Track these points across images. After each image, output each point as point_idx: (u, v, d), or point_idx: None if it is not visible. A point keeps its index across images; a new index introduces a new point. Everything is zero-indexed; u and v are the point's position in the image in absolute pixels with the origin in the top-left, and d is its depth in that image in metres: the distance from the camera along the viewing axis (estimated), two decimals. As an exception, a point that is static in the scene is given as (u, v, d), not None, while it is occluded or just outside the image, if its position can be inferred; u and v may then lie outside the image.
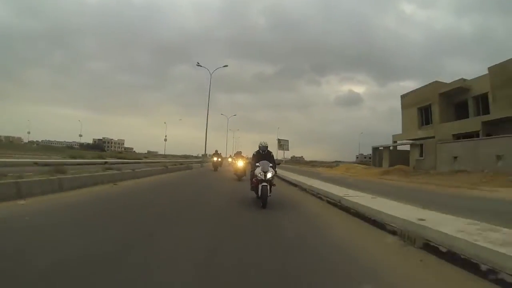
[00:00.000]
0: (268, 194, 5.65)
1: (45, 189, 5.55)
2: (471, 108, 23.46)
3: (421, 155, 24.62)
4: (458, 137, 22.59)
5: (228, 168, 18.05)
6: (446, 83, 26.16)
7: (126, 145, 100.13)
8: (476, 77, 23.84)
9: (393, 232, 3.73)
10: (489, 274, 2.31)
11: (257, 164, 6.03)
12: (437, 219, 3.71)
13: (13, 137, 78.71)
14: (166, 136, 55.13)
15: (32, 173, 6.52)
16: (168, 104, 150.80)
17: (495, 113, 20.47)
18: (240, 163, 12.48)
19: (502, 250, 2.36)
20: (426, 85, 28.02)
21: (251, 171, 6.50)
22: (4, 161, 12.93)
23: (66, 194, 5.80)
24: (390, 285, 2.29)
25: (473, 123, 21.66)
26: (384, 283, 2.34)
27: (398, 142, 31.43)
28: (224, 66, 31.04)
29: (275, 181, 6.46)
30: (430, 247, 3.03)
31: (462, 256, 2.62)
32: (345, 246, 3.41)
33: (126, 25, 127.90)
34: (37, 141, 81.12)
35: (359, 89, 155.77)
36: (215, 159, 19.13)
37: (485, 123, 20.25)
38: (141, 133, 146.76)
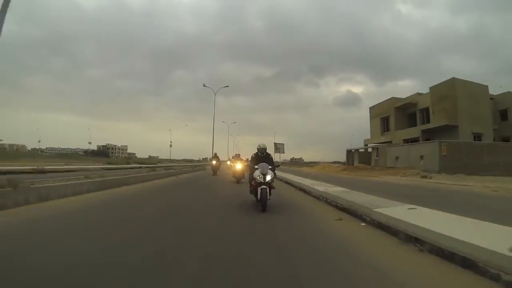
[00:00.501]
0: (268, 197, 5.49)
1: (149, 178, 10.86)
2: (418, 119, 29.59)
3: (377, 156, 30.65)
4: (407, 141, 28.61)
5: (227, 172, 17.93)
6: (400, 98, 32.30)
7: (127, 150, 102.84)
8: (423, 93, 30.10)
9: (316, 197, 8.90)
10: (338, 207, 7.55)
11: (256, 166, 5.88)
12: (327, 186, 8.94)
13: (17, 145, 78.35)
14: (171, 142, 58.63)
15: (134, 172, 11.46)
16: (168, 109, 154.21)
17: (433, 123, 26.64)
18: (239, 166, 12.75)
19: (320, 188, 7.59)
20: (386, 100, 34.18)
21: (250, 173, 6.33)
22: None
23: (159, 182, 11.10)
24: (310, 210, 7.41)
25: (417, 130, 27.78)
26: (305, 208, 7.44)
27: (363, 146, 37.60)
28: (225, 86, 36.16)
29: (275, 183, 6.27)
30: (322, 199, 8.22)
31: (328, 200, 7.83)
32: (295, 201, 8.54)
33: (125, 31, 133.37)
34: (40, 148, 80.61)
35: (357, 89, 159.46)
36: (214, 162, 18.64)
37: (424, 131, 26.39)
38: (141, 138, 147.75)
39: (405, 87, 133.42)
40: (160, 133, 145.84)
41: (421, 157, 21.62)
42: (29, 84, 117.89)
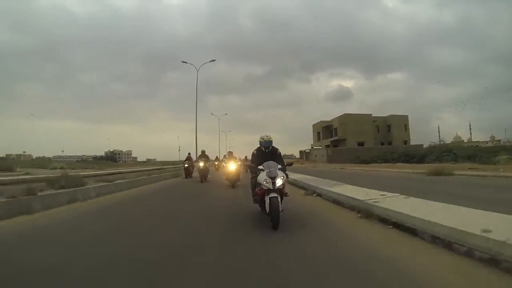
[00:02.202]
0: (280, 209, 3.84)
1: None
2: (333, 134, 51.19)
3: (309, 155, 52.06)
4: (328, 146, 50.00)
5: (219, 177, 13.71)
6: (326, 121, 53.89)
7: (132, 155, 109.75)
8: (334, 119, 51.73)
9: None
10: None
11: (260, 167, 4.23)
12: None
13: (24, 155, 77.82)
14: (179, 148, 58.75)
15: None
16: (161, 110, 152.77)
17: (337, 137, 48.26)
18: (232, 166, 10.33)
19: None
20: (319, 121, 55.98)
21: (252, 177, 4.67)
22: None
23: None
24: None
25: (330, 141, 49.34)
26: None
27: (307, 148, 59.08)
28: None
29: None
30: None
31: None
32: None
33: (117, 36, 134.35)
34: (43, 156, 79.67)
35: (348, 83, 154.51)
36: (201, 164, 13.30)
37: (332, 141, 48.40)
38: (137, 141, 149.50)
39: (395, 80, 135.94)
40: (155, 135, 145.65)
41: (322, 155, 42.77)
42: (21, 91, 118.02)
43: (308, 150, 57.61)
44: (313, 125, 59.17)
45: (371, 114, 51.21)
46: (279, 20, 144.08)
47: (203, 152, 14.62)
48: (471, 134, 77.48)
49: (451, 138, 68.17)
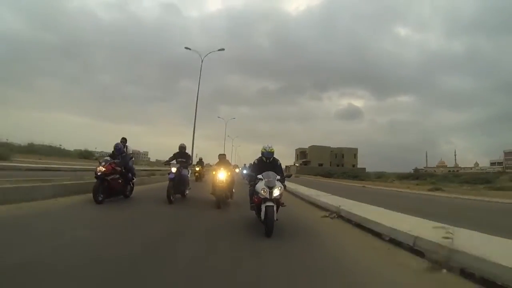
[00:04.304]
0: (275, 218, 4.10)
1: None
2: (306, 157, 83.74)
3: (289, 168, 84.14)
4: (302, 164, 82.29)
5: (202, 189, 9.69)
6: (302, 148, 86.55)
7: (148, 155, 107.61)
8: (308, 146, 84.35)
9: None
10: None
11: (260, 176, 4.45)
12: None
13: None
14: (197, 154, 70.87)
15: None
16: (173, 115, 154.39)
17: (307, 159, 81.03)
18: (222, 175, 6.68)
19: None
20: (298, 148, 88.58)
21: (250, 185, 4.93)
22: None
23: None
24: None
25: (303, 161, 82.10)
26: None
27: (292, 165, 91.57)
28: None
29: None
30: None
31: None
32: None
33: (136, 42, 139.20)
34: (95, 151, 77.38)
35: (358, 103, 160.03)
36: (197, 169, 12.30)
37: (303, 161, 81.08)
38: (149, 143, 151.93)
39: (404, 102, 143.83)
40: (165, 138, 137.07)
41: (294, 169, 75.25)
42: (40, 85, 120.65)
43: (289, 165, 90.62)
44: (295, 149, 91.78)
45: (330, 146, 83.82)
46: (294, 40, 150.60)
47: (200, 159, 13.28)
48: (455, 160, 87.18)
49: (452, 162, 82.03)
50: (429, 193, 17.40)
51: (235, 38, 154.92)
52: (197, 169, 14.28)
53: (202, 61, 25.47)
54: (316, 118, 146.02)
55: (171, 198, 6.61)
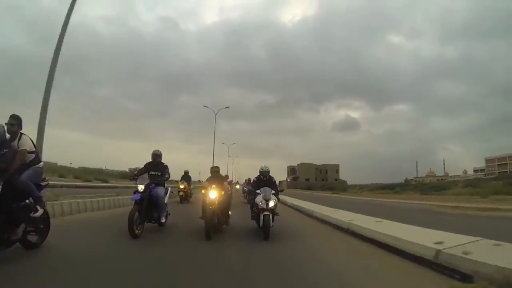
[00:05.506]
0: (271, 224, 5.14)
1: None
2: (296, 173, 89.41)
3: (281, 185, 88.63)
4: (292, 179, 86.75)
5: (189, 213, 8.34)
6: (292, 165, 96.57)
7: None
8: (297, 164, 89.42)
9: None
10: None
11: (258, 191, 5.54)
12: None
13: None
14: (200, 173, 55.54)
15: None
16: (171, 130, 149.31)
17: (296, 175, 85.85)
18: (213, 195, 5.23)
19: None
20: (289, 165, 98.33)
21: (250, 198, 6.53)
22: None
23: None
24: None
25: (293, 177, 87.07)
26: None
27: (284, 180, 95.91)
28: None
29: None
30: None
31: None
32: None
33: (135, 57, 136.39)
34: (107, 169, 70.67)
35: (355, 114, 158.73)
36: (181, 187, 11.45)
37: (293, 177, 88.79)
38: (146, 159, 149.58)
39: (401, 111, 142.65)
40: (164, 155, 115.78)
41: (285, 183, 79.56)
42: (36, 99, 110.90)
43: (282, 181, 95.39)
44: (287, 166, 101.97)
45: (315, 164, 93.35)
46: (290, 52, 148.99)
47: (186, 172, 12.03)
48: (444, 168, 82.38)
49: (450, 170, 79.13)
50: (365, 198, 25.63)
51: (232, 51, 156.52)
52: (182, 186, 11.46)
53: (215, 116, 33.00)
54: (313, 131, 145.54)
55: (135, 230, 4.58)
